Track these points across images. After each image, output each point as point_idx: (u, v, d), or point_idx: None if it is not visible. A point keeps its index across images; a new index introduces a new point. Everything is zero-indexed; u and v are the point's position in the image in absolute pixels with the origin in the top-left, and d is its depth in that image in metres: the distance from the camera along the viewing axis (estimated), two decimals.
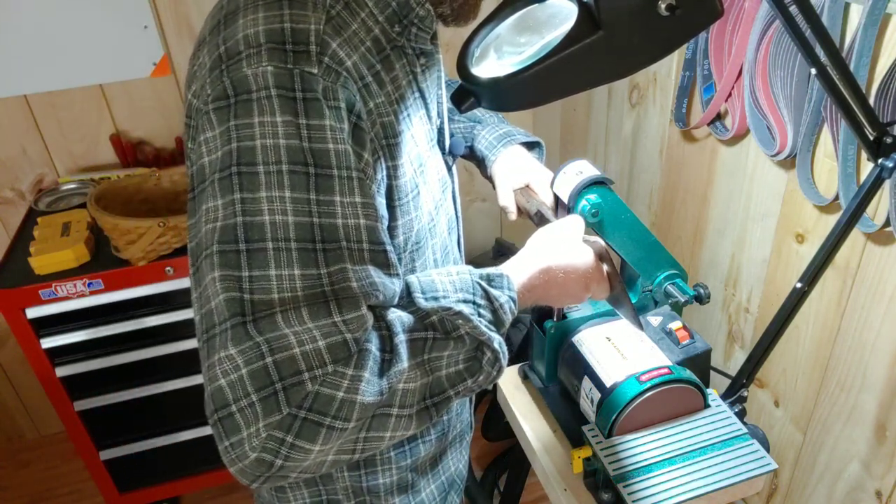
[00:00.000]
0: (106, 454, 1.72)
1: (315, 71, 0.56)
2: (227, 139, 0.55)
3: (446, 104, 0.82)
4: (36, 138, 1.79)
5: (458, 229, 0.87)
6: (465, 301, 0.63)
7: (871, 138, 0.83)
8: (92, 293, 1.49)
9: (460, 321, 0.61)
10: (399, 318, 0.60)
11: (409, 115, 0.69)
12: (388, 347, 0.58)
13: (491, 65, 0.69)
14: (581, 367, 1.00)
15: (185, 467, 1.84)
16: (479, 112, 1.07)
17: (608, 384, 0.95)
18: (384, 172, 0.64)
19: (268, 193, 0.54)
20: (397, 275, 0.61)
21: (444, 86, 0.79)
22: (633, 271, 1.09)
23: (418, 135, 0.71)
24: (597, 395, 0.96)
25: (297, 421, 0.52)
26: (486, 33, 0.71)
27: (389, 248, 0.60)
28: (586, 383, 0.98)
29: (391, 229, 0.68)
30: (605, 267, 0.80)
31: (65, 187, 1.81)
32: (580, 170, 1.00)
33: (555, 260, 0.74)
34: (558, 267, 0.74)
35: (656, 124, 1.56)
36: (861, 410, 1.15)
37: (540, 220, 0.98)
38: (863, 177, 1.00)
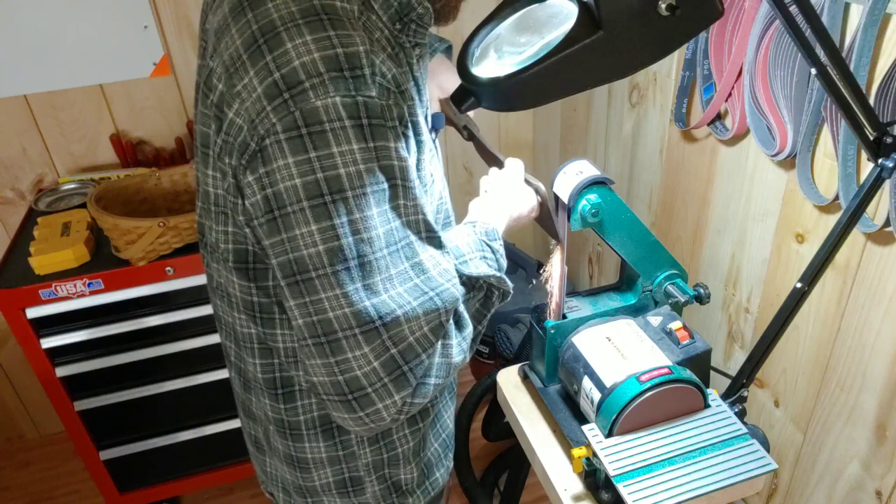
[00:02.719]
0: (106, 454, 1.72)
1: (373, 94, 0.61)
2: (311, 169, 0.60)
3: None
4: (36, 138, 1.79)
5: (447, 190, 0.93)
6: (481, 258, 0.79)
7: (871, 138, 0.83)
8: (92, 293, 1.49)
9: (483, 276, 0.78)
10: (456, 288, 0.73)
11: (414, 107, 0.70)
12: (458, 316, 0.74)
13: (491, 65, 0.69)
14: (581, 367, 1.00)
15: (185, 467, 1.84)
16: None
17: (608, 384, 0.95)
18: (416, 166, 0.69)
19: (360, 214, 0.62)
20: (449, 252, 0.73)
21: (427, 67, 0.82)
22: (633, 271, 1.09)
23: (421, 123, 0.73)
24: (597, 395, 0.96)
25: (418, 387, 0.68)
26: (486, 33, 0.72)
27: (440, 232, 0.72)
28: (586, 383, 0.98)
29: None
30: (538, 199, 0.98)
31: (65, 187, 1.81)
32: (580, 170, 1.00)
33: (515, 207, 0.93)
34: (517, 211, 0.93)
35: (656, 124, 1.56)
36: (861, 410, 1.15)
37: (469, 135, 1.11)
38: (863, 177, 1.00)
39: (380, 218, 0.64)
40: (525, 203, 0.95)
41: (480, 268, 0.78)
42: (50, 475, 2.09)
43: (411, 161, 0.67)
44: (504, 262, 0.83)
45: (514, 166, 0.98)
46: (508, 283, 0.82)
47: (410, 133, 0.68)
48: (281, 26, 0.61)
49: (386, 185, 0.64)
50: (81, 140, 1.83)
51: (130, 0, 1.68)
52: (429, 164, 0.75)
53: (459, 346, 0.73)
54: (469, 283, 0.77)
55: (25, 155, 1.81)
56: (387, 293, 0.65)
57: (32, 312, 1.48)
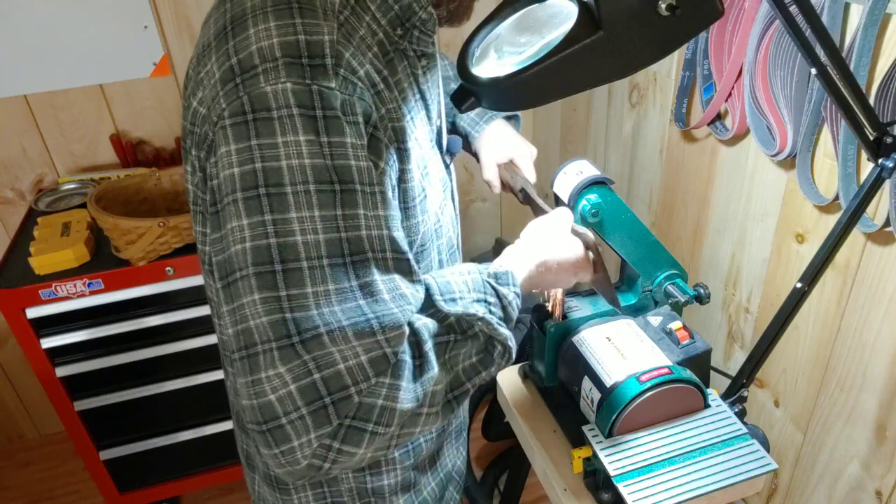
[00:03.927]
0: (106, 454, 1.72)
1: (333, 85, 0.56)
2: (250, 158, 0.55)
3: (444, 103, 0.82)
4: (36, 138, 1.79)
5: (457, 224, 0.88)
6: (478, 301, 0.67)
7: (871, 138, 0.83)
8: (92, 293, 1.49)
9: (477, 321, 0.66)
10: (425, 325, 0.63)
11: (412, 118, 0.69)
12: (418, 354, 0.61)
13: (491, 65, 0.69)
14: (581, 367, 1.00)
15: (185, 467, 1.84)
16: None
17: (608, 384, 0.95)
18: (396, 176, 0.65)
19: (298, 214, 0.55)
20: (420, 281, 0.64)
21: (441, 85, 0.79)
22: (633, 271, 1.09)
23: (421, 137, 0.71)
24: (597, 395, 0.96)
25: (342, 429, 0.56)
26: (486, 33, 0.71)
27: (410, 256, 0.62)
28: (586, 383, 0.98)
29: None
30: (590, 255, 0.86)
31: (65, 187, 1.81)
32: (580, 170, 1.00)
33: (549, 254, 0.79)
34: (553, 260, 0.79)
35: (656, 124, 1.56)
36: (861, 410, 1.15)
37: (525, 197, 1.03)
38: (863, 177, 1.00)
39: (323, 223, 0.56)
40: (563, 251, 0.81)
41: (474, 309, 0.66)
42: (50, 475, 2.09)
43: (382, 165, 0.61)
44: (514, 313, 0.71)
45: (560, 213, 0.86)
46: (507, 336, 0.68)
47: (385, 137, 0.62)
48: (250, 13, 0.59)
49: (338, 187, 0.56)
50: (81, 140, 1.83)
51: (130, 0, 1.68)
52: (418, 177, 0.69)
53: (413, 392, 0.60)
54: (456, 325, 0.66)
55: (25, 155, 1.81)
56: (318, 309, 0.55)
57: (32, 312, 1.48)
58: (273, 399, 0.55)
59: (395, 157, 0.64)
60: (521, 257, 0.77)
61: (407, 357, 0.60)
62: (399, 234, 0.61)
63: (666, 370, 0.93)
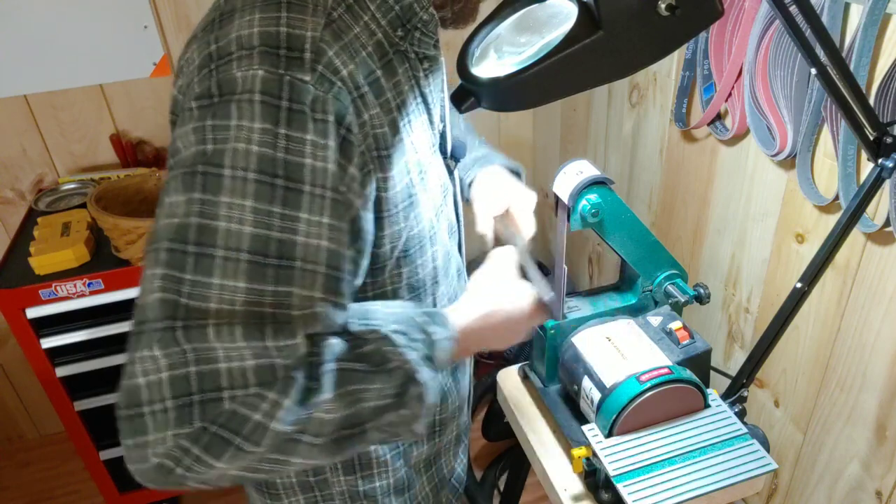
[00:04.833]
0: (106, 454, 1.72)
1: (307, 78, 0.54)
2: (203, 138, 0.53)
3: (448, 108, 0.81)
4: (36, 138, 1.79)
5: (458, 234, 0.86)
6: (399, 332, 0.61)
7: (871, 138, 0.83)
8: (92, 293, 1.49)
9: (391, 353, 0.60)
10: (330, 345, 0.57)
11: (409, 121, 0.68)
12: (314, 375, 0.55)
13: (491, 65, 0.69)
14: (581, 367, 1.00)
15: None
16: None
17: (608, 384, 0.95)
18: (374, 185, 0.62)
19: (228, 199, 0.52)
20: (344, 306, 0.59)
21: (446, 89, 0.79)
22: (633, 271, 1.09)
23: (419, 141, 0.70)
24: (597, 395, 0.96)
25: (206, 435, 0.51)
26: (486, 33, 0.71)
27: (347, 277, 0.58)
28: (586, 383, 0.98)
29: (377, 239, 0.66)
30: (544, 299, 0.78)
31: (65, 187, 1.81)
32: (580, 170, 1.00)
33: (496, 304, 0.73)
34: (500, 311, 0.73)
35: (656, 124, 1.56)
36: (861, 410, 1.15)
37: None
38: (863, 177, 1.00)
39: (253, 215, 0.52)
40: (515, 297, 0.74)
41: (386, 331, 0.60)
42: (50, 475, 2.09)
43: (352, 171, 0.57)
44: (443, 356, 0.64)
45: (500, 257, 0.79)
46: (423, 380, 0.60)
47: (363, 142, 0.60)
48: (240, 6, 0.58)
49: (280, 182, 0.53)
50: (81, 140, 1.83)
51: (130, 0, 1.68)
52: (405, 183, 0.66)
53: (295, 414, 0.53)
54: (369, 356, 0.59)
55: (25, 155, 1.81)
56: (217, 304, 0.51)
57: (32, 312, 1.48)
58: (141, 382, 0.50)
59: (374, 164, 0.61)
60: (464, 306, 0.72)
61: (300, 376, 0.54)
62: (339, 250, 0.56)
63: (666, 370, 0.93)
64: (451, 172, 0.81)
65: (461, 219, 0.87)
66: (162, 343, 0.51)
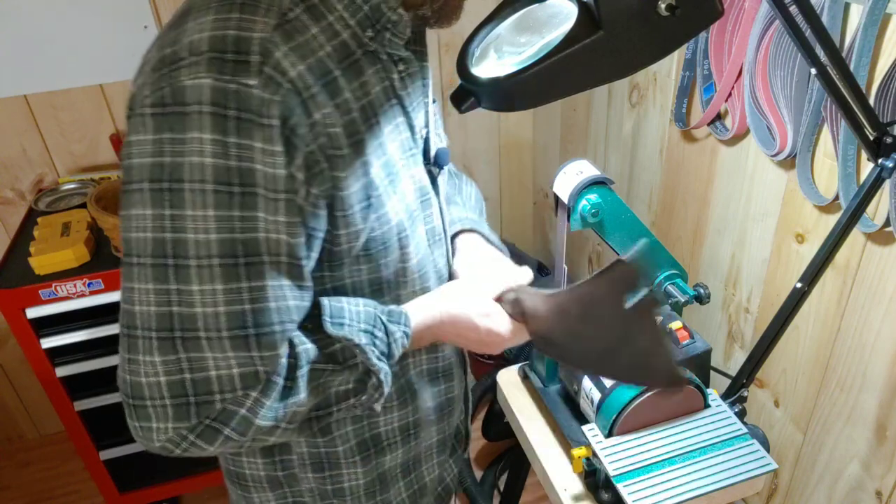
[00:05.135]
0: (106, 454, 1.72)
1: (253, 82, 0.56)
2: (160, 150, 0.56)
3: (433, 114, 0.80)
4: (36, 138, 1.79)
5: (445, 242, 0.83)
6: (365, 332, 0.68)
7: (871, 138, 0.83)
8: (92, 293, 1.49)
9: (357, 351, 0.67)
10: (306, 350, 0.65)
11: (378, 122, 0.67)
12: (291, 377, 0.64)
13: (491, 65, 0.69)
14: None
15: (185, 467, 1.84)
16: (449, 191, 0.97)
17: (608, 384, 0.95)
18: (328, 184, 0.62)
19: (192, 212, 0.57)
20: (309, 288, 0.65)
21: (430, 93, 0.77)
22: None
23: (390, 143, 0.69)
24: (597, 395, 0.96)
25: (200, 427, 0.60)
26: (486, 33, 0.71)
27: (305, 262, 0.63)
28: (586, 383, 0.98)
29: (334, 237, 0.66)
30: (525, 327, 0.78)
31: (65, 187, 1.81)
32: (580, 170, 1.00)
33: (454, 310, 0.76)
34: (452, 319, 0.76)
35: (656, 124, 1.56)
36: (861, 410, 1.15)
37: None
38: (863, 177, 1.00)
39: (217, 223, 0.57)
40: (477, 311, 0.76)
41: (358, 338, 0.67)
42: (50, 475, 2.09)
43: (294, 170, 0.59)
44: (397, 351, 0.71)
45: (491, 277, 0.80)
46: (383, 371, 0.68)
47: (312, 143, 0.60)
48: (198, 6, 0.59)
49: (237, 189, 0.57)
50: (81, 140, 1.83)
51: (130, 0, 1.68)
52: (367, 185, 0.66)
53: (275, 411, 0.63)
54: (338, 355, 0.68)
55: (25, 155, 1.81)
56: (202, 308, 0.58)
57: (32, 312, 1.48)
58: (144, 382, 0.59)
59: (328, 163, 0.62)
60: (423, 304, 0.76)
61: (279, 379, 0.62)
62: (298, 241, 0.61)
63: None
64: (434, 180, 0.79)
65: (448, 227, 0.85)
66: (161, 351, 0.58)
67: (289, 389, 0.64)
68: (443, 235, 0.82)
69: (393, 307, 0.73)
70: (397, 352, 0.71)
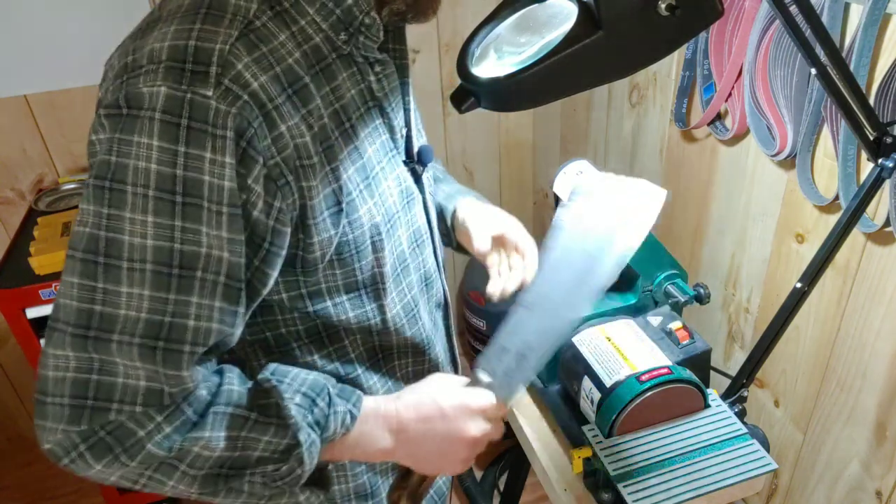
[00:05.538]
0: None
1: (209, 94, 0.55)
2: (109, 150, 0.56)
3: (414, 112, 0.79)
4: (36, 138, 1.79)
5: (432, 241, 0.83)
6: (305, 395, 0.65)
7: (871, 138, 0.83)
8: None
9: (287, 410, 0.63)
10: (230, 391, 0.62)
11: (352, 126, 0.67)
12: (202, 412, 0.60)
13: (491, 65, 0.69)
14: (581, 367, 1.00)
15: None
16: (437, 171, 1.02)
17: (608, 384, 0.95)
18: (295, 196, 0.62)
19: (131, 215, 0.56)
20: (242, 314, 0.63)
21: (411, 93, 0.77)
22: (633, 271, 1.09)
23: (367, 146, 0.69)
24: (597, 395, 0.96)
25: (93, 437, 0.57)
26: (486, 33, 0.71)
27: (243, 286, 0.61)
28: (586, 383, 0.98)
29: (307, 245, 0.66)
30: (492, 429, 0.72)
31: (65, 187, 1.81)
32: (580, 170, 1.00)
33: (415, 395, 0.71)
34: (413, 404, 0.70)
35: (656, 124, 1.56)
36: (861, 410, 1.15)
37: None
38: (863, 177, 1.00)
39: (154, 229, 0.56)
40: (441, 392, 0.70)
41: (297, 399, 0.64)
42: (50, 475, 2.09)
43: (251, 183, 0.58)
44: (335, 427, 0.65)
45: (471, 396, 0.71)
46: (308, 447, 0.63)
47: (275, 156, 0.59)
48: (164, 16, 0.60)
49: (180, 199, 0.56)
50: (81, 140, 1.83)
51: (130, 0, 1.68)
52: (337, 190, 0.66)
53: (171, 441, 0.58)
54: (273, 409, 0.63)
55: (25, 155, 1.81)
56: (126, 310, 0.56)
57: (32, 312, 1.48)
58: (50, 376, 0.57)
59: (295, 174, 0.61)
60: (385, 399, 0.71)
61: (188, 409, 0.59)
62: (240, 261, 0.60)
63: (666, 370, 0.93)
64: (418, 178, 0.79)
65: (434, 226, 0.84)
66: (74, 346, 0.56)
67: (194, 424, 0.60)
68: (428, 235, 0.82)
69: (346, 386, 0.69)
70: (334, 429, 0.66)
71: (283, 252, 0.64)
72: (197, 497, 0.64)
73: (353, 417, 0.68)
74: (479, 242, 0.92)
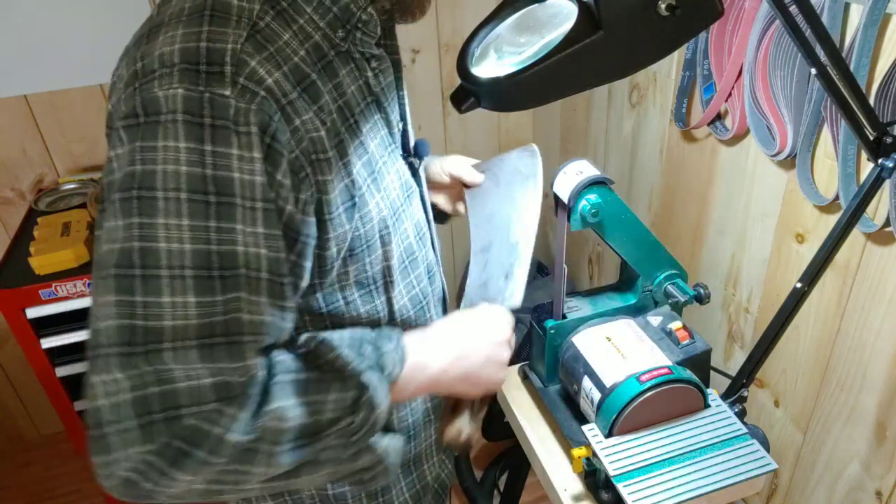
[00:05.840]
0: None
1: (227, 93, 0.55)
2: (132, 160, 0.55)
3: (408, 105, 0.80)
4: (36, 138, 1.79)
5: (430, 235, 0.84)
6: (350, 346, 0.65)
7: (871, 138, 0.83)
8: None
9: (342, 363, 0.63)
10: (284, 360, 0.61)
11: (356, 122, 0.67)
12: (268, 389, 0.59)
13: (491, 65, 0.69)
14: (581, 367, 1.00)
15: None
16: None
17: (608, 384, 0.95)
18: (313, 188, 0.62)
19: (164, 221, 0.54)
20: (291, 309, 0.62)
21: (405, 87, 0.78)
22: (633, 271, 1.09)
23: (370, 141, 0.70)
24: (597, 395, 0.96)
25: (170, 450, 0.53)
26: (486, 33, 0.71)
27: (287, 280, 0.60)
28: (586, 383, 0.98)
29: (323, 242, 0.66)
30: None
31: (65, 187, 1.81)
32: (580, 170, 1.00)
33: (452, 322, 0.78)
34: (452, 330, 0.77)
35: (656, 124, 1.56)
36: (861, 410, 1.15)
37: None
38: (863, 177, 1.00)
39: (192, 232, 0.54)
40: (485, 347, 0.77)
41: (340, 348, 0.64)
42: (50, 475, 2.09)
43: (279, 178, 0.58)
44: (391, 367, 0.67)
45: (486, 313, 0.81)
46: (371, 385, 0.63)
47: (297, 149, 0.60)
48: (167, 21, 0.59)
49: (213, 199, 0.55)
50: (81, 140, 1.83)
51: (130, 0, 1.68)
52: (349, 185, 0.66)
53: (248, 423, 0.56)
54: (326, 365, 0.63)
55: (25, 155, 1.81)
56: (172, 321, 0.54)
57: (32, 312, 1.48)
58: (103, 404, 0.53)
59: (312, 168, 0.62)
60: (423, 335, 0.73)
61: (255, 391, 0.57)
62: (279, 256, 0.59)
63: (666, 370, 0.93)
64: (415, 171, 0.80)
65: (431, 218, 0.86)
66: (122, 366, 0.53)
67: (262, 401, 0.58)
68: (427, 228, 0.83)
69: (383, 328, 0.71)
70: (392, 367, 0.67)
71: (315, 241, 0.64)
72: (283, 485, 0.63)
73: (403, 351, 0.69)
74: (471, 177, 1.03)
